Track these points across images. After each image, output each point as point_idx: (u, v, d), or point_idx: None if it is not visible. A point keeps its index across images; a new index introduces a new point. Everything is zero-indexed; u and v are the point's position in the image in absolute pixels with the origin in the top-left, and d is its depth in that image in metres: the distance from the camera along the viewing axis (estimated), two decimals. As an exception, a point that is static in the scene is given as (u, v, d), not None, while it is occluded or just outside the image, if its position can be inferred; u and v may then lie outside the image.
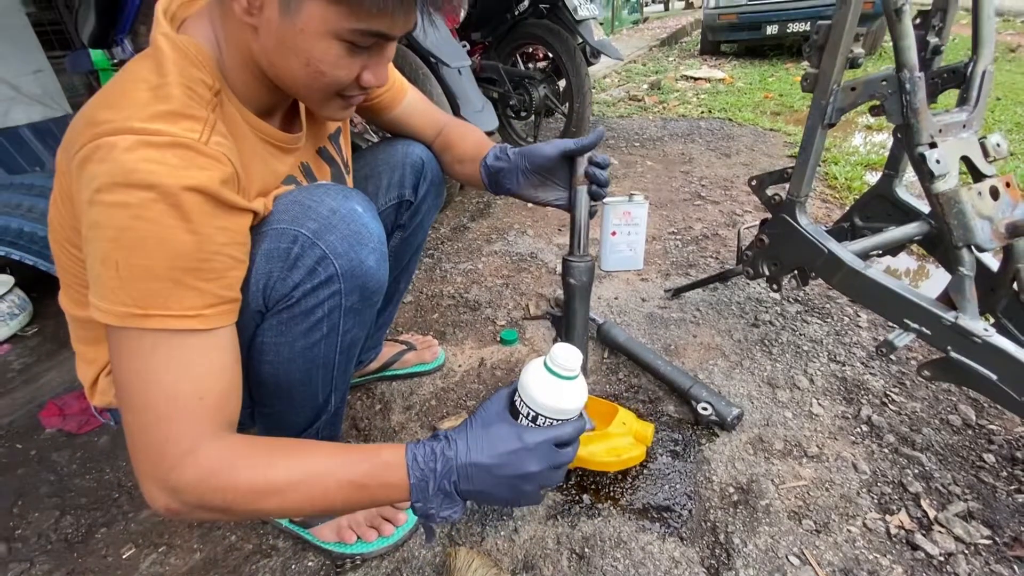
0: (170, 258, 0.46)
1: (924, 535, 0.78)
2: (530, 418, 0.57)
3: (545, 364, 0.58)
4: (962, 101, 0.90)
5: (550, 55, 2.48)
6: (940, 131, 0.84)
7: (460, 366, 1.22)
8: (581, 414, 0.88)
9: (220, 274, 0.50)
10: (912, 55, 0.81)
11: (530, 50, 2.68)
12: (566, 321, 0.79)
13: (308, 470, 0.51)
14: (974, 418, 0.98)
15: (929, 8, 0.94)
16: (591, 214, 0.77)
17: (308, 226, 0.57)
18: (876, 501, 0.84)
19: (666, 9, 14.68)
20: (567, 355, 0.57)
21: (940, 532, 0.78)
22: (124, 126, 0.45)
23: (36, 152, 2.18)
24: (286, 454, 0.52)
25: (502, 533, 0.82)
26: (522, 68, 2.63)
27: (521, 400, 0.57)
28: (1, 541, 0.87)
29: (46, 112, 2.25)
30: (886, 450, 0.93)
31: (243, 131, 0.58)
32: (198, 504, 0.50)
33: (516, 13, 2.44)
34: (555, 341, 0.71)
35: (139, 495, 0.50)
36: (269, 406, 0.69)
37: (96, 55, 1.64)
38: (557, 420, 0.57)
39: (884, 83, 0.85)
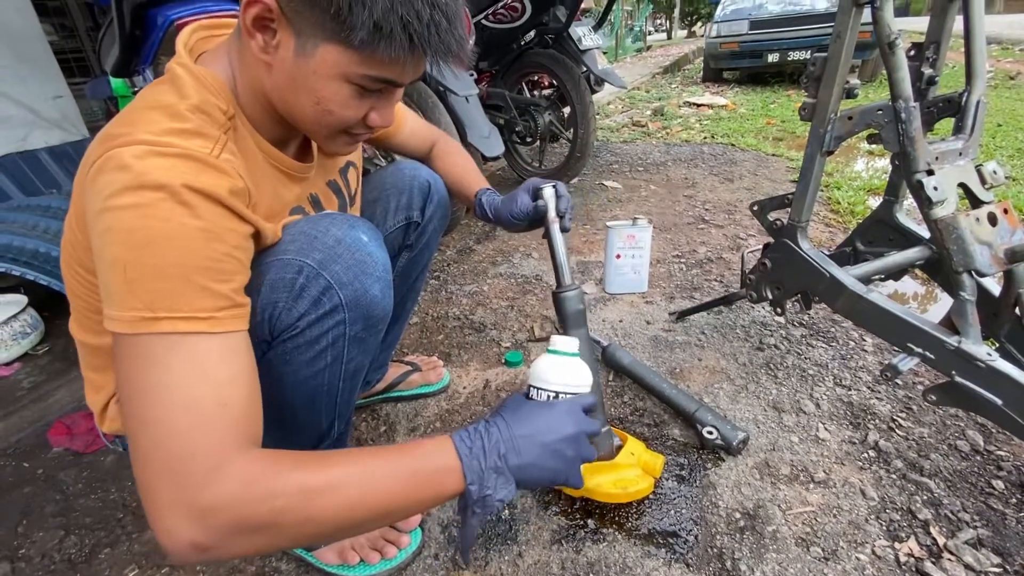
0: (179, 255, 0.45)
1: (934, 563, 0.77)
2: (549, 400, 0.62)
3: (548, 351, 0.66)
4: (957, 130, 0.92)
5: (555, 83, 2.54)
6: (936, 158, 0.86)
7: (465, 388, 1.23)
8: (608, 431, 0.89)
9: (229, 276, 0.49)
10: (906, 86, 0.83)
11: (536, 78, 2.74)
12: None
13: (359, 468, 0.48)
14: (982, 444, 0.97)
15: (923, 40, 0.96)
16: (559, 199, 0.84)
17: (313, 256, 0.57)
18: (885, 528, 0.83)
19: (669, 37, 15.02)
20: (566, 338, 0.66)
21: (950, 560, 0.77)
22: (136, 138, 0.46)
23: (53, 175, 2.24)
24: (330, 456, 0.48)
25: (506, 558, 0.82)
26: (528, 95, 2.69)
27: (536, 389, 0.63)
28: (5, 561, 0.87)
29: (64, 136, 2.32)
30: (894, 476, 0.92)
31: (253, 154, 0.59)
32: (236, 526, 0.42)
33: (522, 43, 2.51)
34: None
35: (144, 515, 0.44)
36: (270, 433, 0.70)
37: (116, 82, 1.70)
38: (573, 395, 0.63)
39: (880, 112, 0.88)
